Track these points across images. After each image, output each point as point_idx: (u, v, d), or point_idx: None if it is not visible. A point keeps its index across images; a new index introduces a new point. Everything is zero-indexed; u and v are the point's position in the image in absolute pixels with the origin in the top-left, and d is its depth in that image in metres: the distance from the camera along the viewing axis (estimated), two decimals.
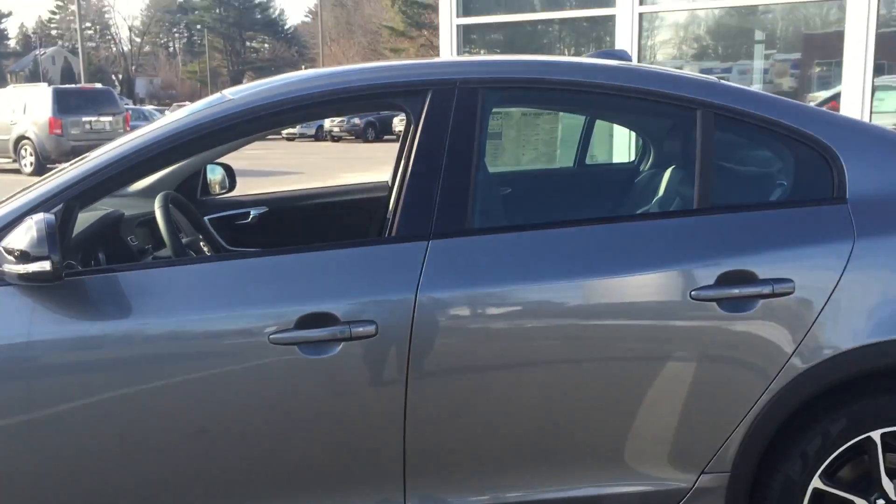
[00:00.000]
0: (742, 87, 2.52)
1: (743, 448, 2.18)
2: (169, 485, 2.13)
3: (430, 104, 2.24)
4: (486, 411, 2.15)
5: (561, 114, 4.89)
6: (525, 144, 5.15)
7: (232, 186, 3.69)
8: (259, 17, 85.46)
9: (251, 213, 3.52)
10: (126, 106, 23.65)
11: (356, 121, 31.20)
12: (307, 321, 2.05)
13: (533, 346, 2.15)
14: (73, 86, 21.86)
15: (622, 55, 2.83)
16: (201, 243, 2.73)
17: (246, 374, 2.09)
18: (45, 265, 1.91)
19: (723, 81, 2.48)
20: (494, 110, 4.39)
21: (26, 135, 17.26)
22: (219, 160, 3.62)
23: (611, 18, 8.09)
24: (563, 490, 2.20)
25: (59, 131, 17.06)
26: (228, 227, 3.40)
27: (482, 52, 9.18)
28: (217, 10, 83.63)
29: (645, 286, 2.16)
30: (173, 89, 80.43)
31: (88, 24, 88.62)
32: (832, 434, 2.19)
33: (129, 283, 2.14)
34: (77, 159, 2.38)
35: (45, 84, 19.12)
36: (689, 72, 3.06)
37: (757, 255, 2.15)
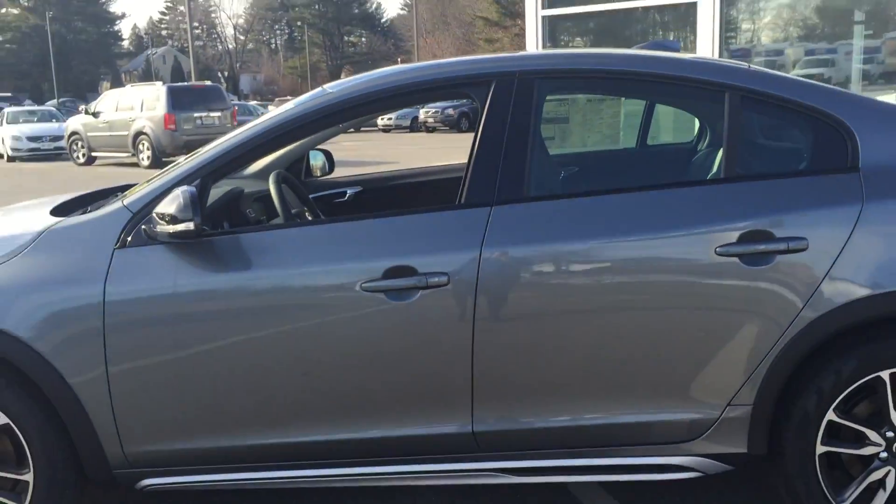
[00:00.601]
0: (768, 70, 2.85)
1: (763, 384, 2.52)
2: (283, 410, 2.63)
3: (494, 92, 2.67)
4: (541, 350, 2.56)
5: (623, 99, 5.23)
6: (590, 128, 5.52)
7: (331, 170, 4.21)
8: (356, 11, 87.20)
9: (347, 192, 4.02)
10: (232, 102, 24.90)
11: (450, 111, 31.76)
12: (392, 273, 2.52)
13: (580, 295, 2.55)
14: (185, 84, 23.22)
15: (671, 45, 3.19)
16: (307, 214, 3.24)
17: (341, 317, 2.57)
18: (189, 226, 2.45)
19: (751, 66, 2.81)
20: (558, 97, 4.78)
21: (144, 130, 18.53)
22: (319, 147, 4.15)
23: (693, 6, 8.28)
24: (609, 417, 2.60)
25: (172, 126, 18.25)
26: (328, 205, 3.92)
27: (569, 42, 9.48)
28: (316, 7, 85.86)
29: (676, 244, 2.53)
30: (275, 85, 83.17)
31: (196, 24, 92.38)
32: (844, 373, 2.51)
33: (249, 243, 2.66)
34: (206, 146, 2.92)
35: (160, 83, 20.39)
36: (726, 59, 3.37)
37: (775, 217, 2.48)
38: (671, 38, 8.65)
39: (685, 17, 8.40)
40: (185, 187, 2.51)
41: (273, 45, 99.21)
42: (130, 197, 2.72)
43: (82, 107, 44.74)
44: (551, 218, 2.57)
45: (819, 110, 2.59)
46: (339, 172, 4.32)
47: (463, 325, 2.53)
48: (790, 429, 2.56)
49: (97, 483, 2.70)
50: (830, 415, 2.54)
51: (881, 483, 2.56)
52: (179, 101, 18.59)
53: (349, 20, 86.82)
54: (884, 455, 2.54)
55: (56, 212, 2.97)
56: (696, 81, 2.68)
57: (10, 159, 22.82)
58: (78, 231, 2.69)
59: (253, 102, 45.24)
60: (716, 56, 7.96)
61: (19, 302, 2.56)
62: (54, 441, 2.62)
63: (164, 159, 18.58)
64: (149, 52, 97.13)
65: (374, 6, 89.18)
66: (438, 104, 31.43)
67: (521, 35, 41.68)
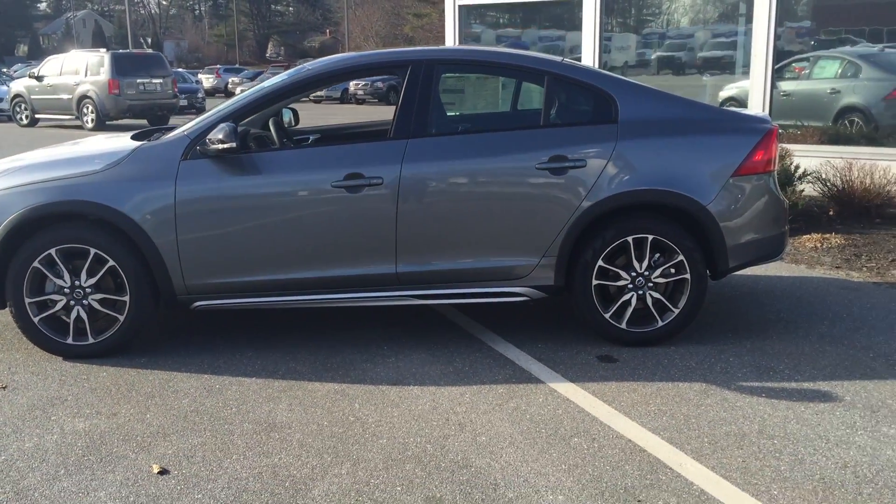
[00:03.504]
0: (573, 62, 4.75)
1: (562, 244, 4.42)
2: (283, 259, 4.38)
3: (411, 72, 4.48)
4: (436, 223, 4.39)
5: (501, 77, 7.15)
6: (478, 97, 7.45)
7: (297, 122, 5.95)
8: None
9: (310, 137, 5.77)
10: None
11: (379, 84, 33.26)
12: (349, 177, 4.31)
13: (457, 190, 4.39)
14: (128, 51, 24.20)
15: (522, 45, 5.06)
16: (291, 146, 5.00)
17: (319, 203, 4.35)
18: (233, 145, 4.19)
19: (564, 59, 4.71)
20: (449, 75, 6.70)
21: (88, 94, 19.63)
22: (289, 106, 5.88)
23: (577, 4, 10.21)
24: (475, 263, 4.45)
25: (116, 91, 19.42)
26: (297, 145, 5.66)
27: (480, 29, 11.30)
28: None
29: (515, 161, 4.39)
30: (199, 52, 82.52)
31: None
32: (607, 238, 4.42)
33: (263, 159, 4.42)
34: (230, 99, 4.64)
35: (104, 49, 21.36)
36: (539, 53, 5.28)
37: (568, 147, 4.37)
38: (561, 29, 10.60)
39: (571, 12, 10.33)
40: (228, 122, 4.25)
41: (197, 12, 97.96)
42: (188, 129, 4.44)
43: (3, 69, 44.00)
44: (442, 146, 4.42)
45: (597, 87, 4.50)
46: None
47: (391, 208, 4.34)
48: (577, 271, 4.46)
49: (167, 304, 4.43)
50: (600, 262, 4.45)
51: (629, 302, 4.50)
52: (123, 67, 19.74)
53: None
54: (630, 286, 4.49)
55: (135, 138, 4.68)
56: (527, 68, 4.58)
57: None
58: (157, 149, 4.40)
59: (180, 69, 45.48)
60: (597, 40, 9.98)
61: (130, 194, 4.25)
62: (142, 277, 4.34)
63: (107, 122, 19.73)
64: (68, 15, 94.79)
65: None
66: (373, 77, 32.89)
67: None
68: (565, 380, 4.10)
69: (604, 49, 10.40)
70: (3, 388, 4.03)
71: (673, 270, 4.48)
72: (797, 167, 7.52)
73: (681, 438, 3.45)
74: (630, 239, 4.43)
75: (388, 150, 4.39)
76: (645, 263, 4.45)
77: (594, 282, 4.47)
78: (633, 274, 4.47)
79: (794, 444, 3.38)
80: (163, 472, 3.20)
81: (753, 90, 9.35)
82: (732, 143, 4.51)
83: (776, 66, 9.60)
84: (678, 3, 10.63)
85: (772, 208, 4.63)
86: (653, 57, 10.85)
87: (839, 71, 10.42)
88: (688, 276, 4.45)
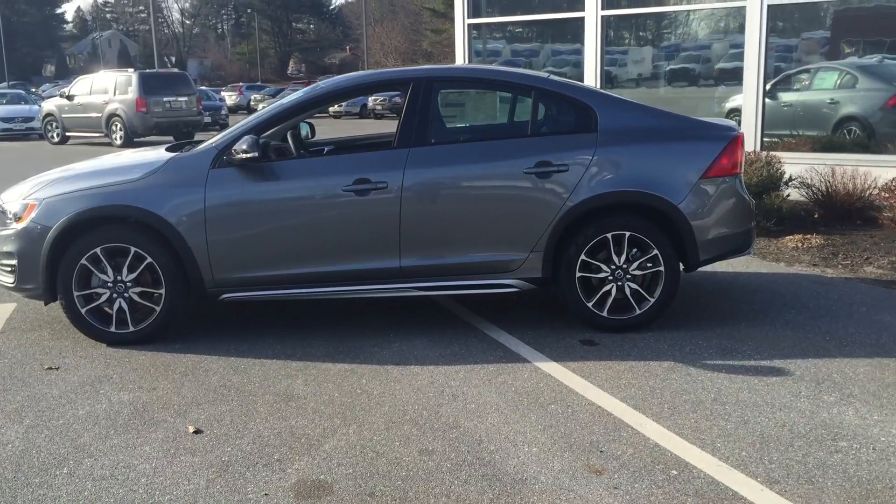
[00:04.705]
0: (559, 78, 5.29)
1: (548, 240, 4.94)
2: (300, 255, 4.93)
3: (412, 89, 5.04)
4: (434, 222, 4.93)
5: (497, 92, 7.74)
6: (477, 110, 8.06)
7: (313, 135, 6.54)
8: None
9: (324, 148, 6.35)
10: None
11: (397, 100, 33.93)
12: (358, 182, 4.86)
13: (453, 192, 4.93)
14: (154, 70, 25.09)
15: (516, 62, 5.62)
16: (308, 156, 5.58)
17: (331, 205, 4.91)
18: (255, 155, 4.76)
19: (550, 76, 5.26)
20: (448, 91, 7.31)
21: (117, 112, 20.44)
22: (306, 121, 6.47)
23: (580, 20, 10.76)
24: (470, 258, 4.98)
25: (144, 109, 20.22)
26: (313, 155, 6.23)
27: (492, 45, 11.88)
28: None
29: (505, 167, 4.93)
30: (222, 70, 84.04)
31: (142, 8, 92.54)
32: (588, 234, 4.94)
33: (281, 167, 4.99)
34: (253, 114, 5.22)
35: (132, 69, 22.19)
36: (528, 70, 5.84)
37: (554, 154, 4.91)
38: (566, 45, 11.14)
39: (574, 31, 10.88)
40: (251, 135, 4.83)
41: (220, 31, 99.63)
42: (216, 141, 5.02)
43: (33, 89, 45.17)
44: (440, 154, 4.98)
45: (578, 99, 5.04)
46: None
47: (395, 209, 4.89)
48: (562, 264, 4.99)
49: (197, 296, 5.01)
50: (583, 256, 4.97)
51: (609, 292, 5.02)
52: (150, 86, 20.55)
53: (297, 7, 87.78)
54: (609, 278, 5.00)
55: (169, 150, 5.28)
56: (516, 84, 5.14)
57: None
58: (189, 159, 4.99)
59: (203, 87, 46.44)
60: (599, 55, 10.50)
61: (166, 199, 4.84)
62: (176, 272, 4.91)
63: (135, 139, 20.52)
64: (94, 35, 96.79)
65: None
66: (388, 93, 33.63)
67: None
68: (549, 360, 4.61)
69: (612, 62, 10.92)
70: (57, 369, 4.62)
71: (649, 264, 4.98)
72: (782, 173, 7.99)
73: (644, 405, 3.95)
74: (609, 235, 4.94)
75: (392, 158, 4.95)
76: (623, 257, 4.96)
77: (578, 274, 4.98)
78: (613, 267, 4.98)
79: (743, 409, 3.88)
80: (197, 431, 3.76)
81: (747, 101, 9.84)
82: (701, 148, 5.02)
83: (776, 79, 10.08)
84: (691, 18, 11.05)
85: (739, 207, 5.13)
86: (665, 69, 11.30)
87: (838, 82, 10.84)
88: (662, 268, 4.96)
